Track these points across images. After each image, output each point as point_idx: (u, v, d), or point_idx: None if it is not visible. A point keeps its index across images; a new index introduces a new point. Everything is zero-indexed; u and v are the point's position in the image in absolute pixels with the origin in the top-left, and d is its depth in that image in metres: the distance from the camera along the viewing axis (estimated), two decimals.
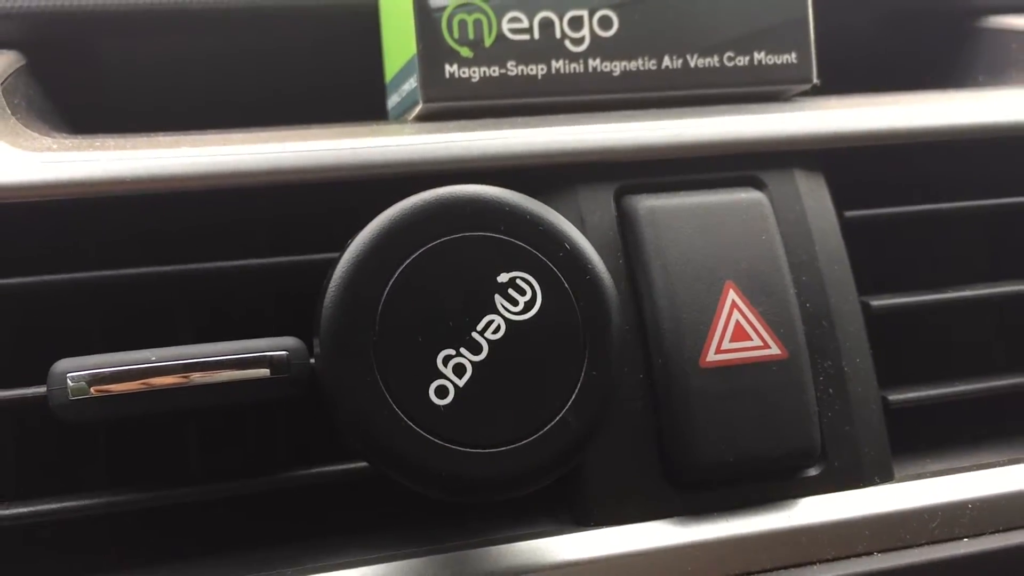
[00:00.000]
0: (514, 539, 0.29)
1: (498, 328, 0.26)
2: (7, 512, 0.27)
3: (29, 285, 0.29)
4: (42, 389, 0.27)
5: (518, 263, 0.27)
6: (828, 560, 0.31)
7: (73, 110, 0.40)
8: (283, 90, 0.45)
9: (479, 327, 0.26)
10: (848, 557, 0.31)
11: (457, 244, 0.27)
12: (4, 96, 0.32)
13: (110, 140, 0.31)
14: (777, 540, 0.30)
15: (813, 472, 0.32)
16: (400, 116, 0.39)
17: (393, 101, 0.40)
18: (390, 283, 0.26)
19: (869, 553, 0.31)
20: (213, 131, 0.33)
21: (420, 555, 0.29)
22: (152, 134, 0.32)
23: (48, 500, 0.28)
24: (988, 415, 0.35)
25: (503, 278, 0.27)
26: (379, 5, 0.41)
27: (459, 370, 0.26)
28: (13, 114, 0.31)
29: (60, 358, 0.27)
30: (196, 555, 0.29)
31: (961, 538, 0.32)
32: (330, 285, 0.26)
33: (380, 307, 0.26)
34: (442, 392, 0.26)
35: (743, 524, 0.30)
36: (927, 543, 0.31)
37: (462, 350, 0.26)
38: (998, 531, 0.32)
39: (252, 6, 0.42)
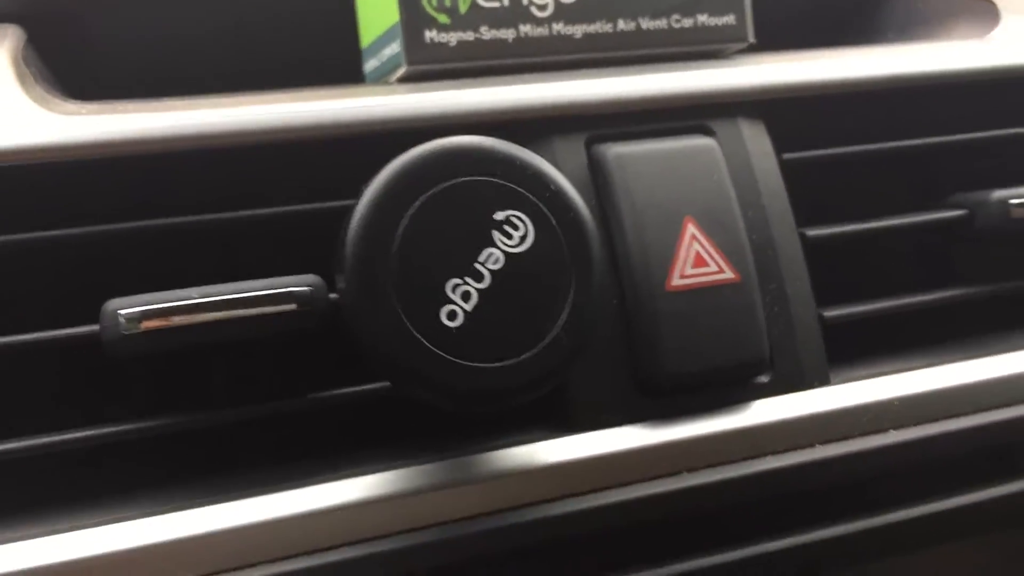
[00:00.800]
0: (510, 445, 0.34)
1: (497, 259, 0.30)
2: (41, 441, 0.30)
3: (70, 237, 0.32)
4: (94, 327, 0.31)
5: (512, 203, 0.31)
6: (777, 452, 0.36)
7: (66, 83, 0.42)
8: (263, 60, 0.48)
9: (481, 259, 0.30)
10: (794, 449, 0.36)
11: (459, 187, 0.30)
12: (25, 67, 0.35)
13: (129, 104, 0.34)
14: (734, 437, 0.35)
15: (763, 379, 0.37)
16: (380, 79, 0.43)
17: (371, 65, 0.44)
18: (403, 223, 0.30)
19: (811, 445, 0.36)
20: (216, 95, 0.36)
21: (428, 462, 0.33)
22: (159, 99, 0.35)
23: (80, 429, 0.31)
24: (911, 328, 0.41)
25: (499, 216, 0.31)
26: None
27: (466, 296, 0.30)
28: (37, 83, 0.34)
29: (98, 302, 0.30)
30: (221, 474, 0.33)
31: (887, 430, 0.37)
32: (351, 225, 0.30)
33: (396, 244, 0.30)
34: (452, 316, 0.30)
35: (705, 425, 0.35)
36: (859, 435, 0.37)
37: (467, 279, 0.30)
38: (918, 423, 0.37)
39: None
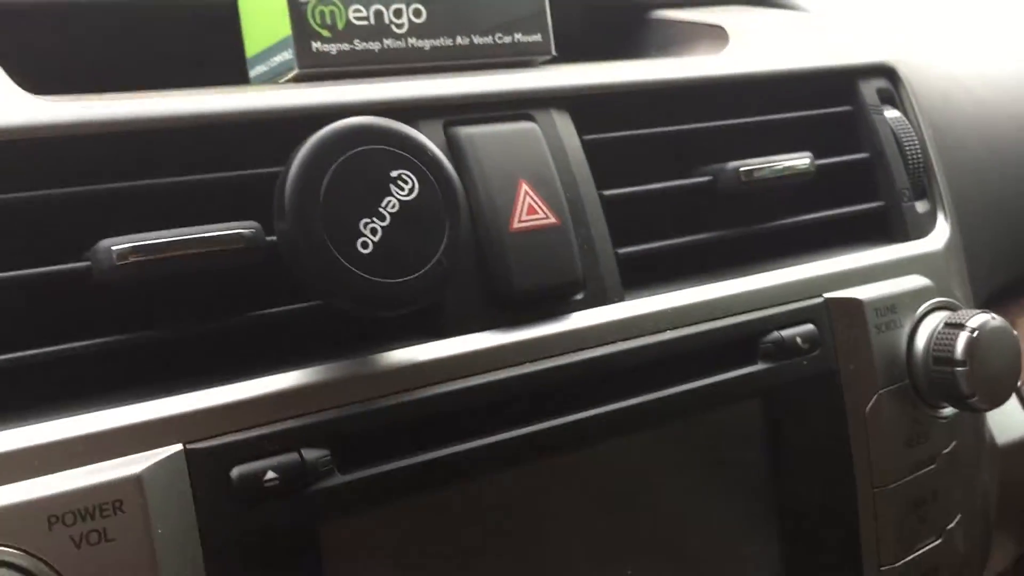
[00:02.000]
0: (402, 347, 0.45)
1: (394, 205, 0.42)
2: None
3: (56, 195, 0.41)
4: (86, 264, 0.40)
5: (402, 164, 0.42)
6: (591, 347, 0.49)
7: None
8: (156, 67, 0.57)
9: (383, 204, 0.42)
10: (602, 345, 0.50)
11: (365, 153, 0.42)
12: None
13: (92, 96, 0.43)
14: (562, 337, 0.48)
15: (579, 296, 0.50)
16: (267, 82, 0.53)
17: (259, 71, 0.54)
18: (326, 178, 0.41)
19: (613, 342, 0.50)
20: (148, 91, 0.46)
21: (340, 359, 0.44)
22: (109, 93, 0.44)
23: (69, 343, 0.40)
24: (681, 262, 0.55)
25: (394, 174, 0.42)
26: (239, 2, 0.55)
27: (374, 232, 0.41)
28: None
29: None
30: (183, 377, 0.42)
31: (665, 330, 0.51)
32: (288, 179, 0.40)
33: (322, 193, 0.41)
34: (365, 245, 0.41)
35: (541, 329, 0.48)
36: (645, 334, 0.51)
37: (374, 219, 0.41)
38: (686, 325, 0.52)
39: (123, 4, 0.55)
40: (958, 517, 0.60)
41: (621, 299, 0.51)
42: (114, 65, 0.56)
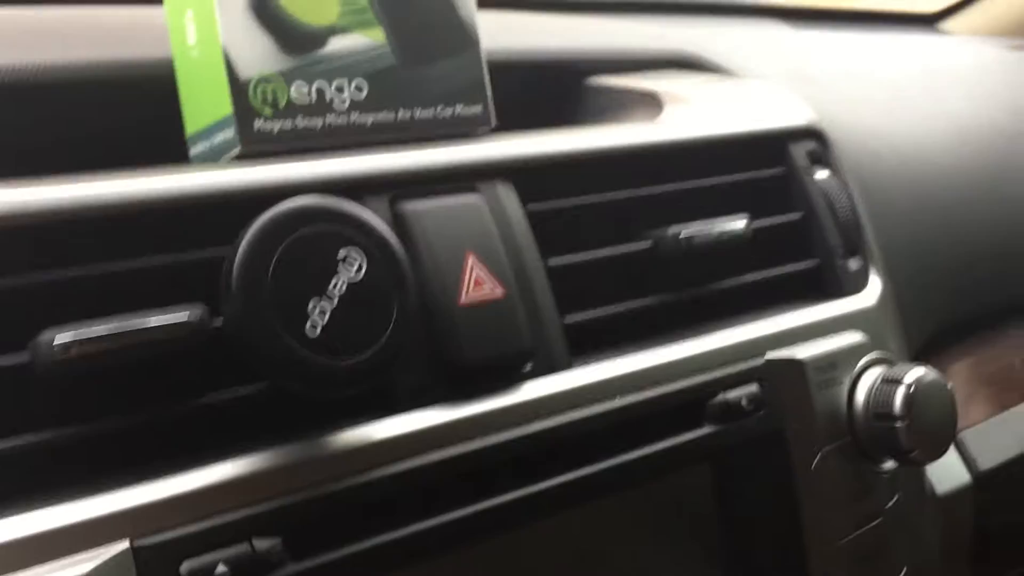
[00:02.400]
0: (353, 426, 0.45)
1: (343, 285, 0.42)
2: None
3: None
4: (25, 358, 0.39)
5: (350, 243, 0.42)
6: (542, 417, 0.49)
7: None
8: (88, 145, 0.56)
9: (331, 285, 0.41)
10: (552, 415, 0.50)
11: (312, 233, 0.41)
12: None
13: (10, 181, 0.42)
14: (512, 410, 0.48)
15: (528, 367, 0.50)
16: (208, 160, 0.53)
17: (199, 149, 0.54)
18: (273, 259, 0.40)
19: (563, 411, 0.50)
20: (84, 174, 0.45)
21: (289, 443, 0.43)
22: (34, 178, 0.44)
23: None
24: (627, 327, 0.56)
25: (341, 254, 0.42)
26: (177, 80, 0.54)
27: (322, 313, 0.41)
28: None
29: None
30: (129, 467, 0.41)
31: (614, 396, 0.52)
32: (235, 262, 0.40)
33: (269, 275, 0.40)
34: (314, 326, 0.41)
35: (493, 402, 0.48)
36: (595, 402, 0.51)
37: (322, 300, 0.41)
38: (633, 391, 0.53)
39: (59, 79, 0.54)
40: (904, 570, 0.61)
41: (569, 367, 0.52)
42: (44, 148, 0.55)
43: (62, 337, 0.38)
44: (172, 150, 0.55)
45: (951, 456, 0.74)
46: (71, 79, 0.55)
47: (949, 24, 1.38)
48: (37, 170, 0.46)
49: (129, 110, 0.58)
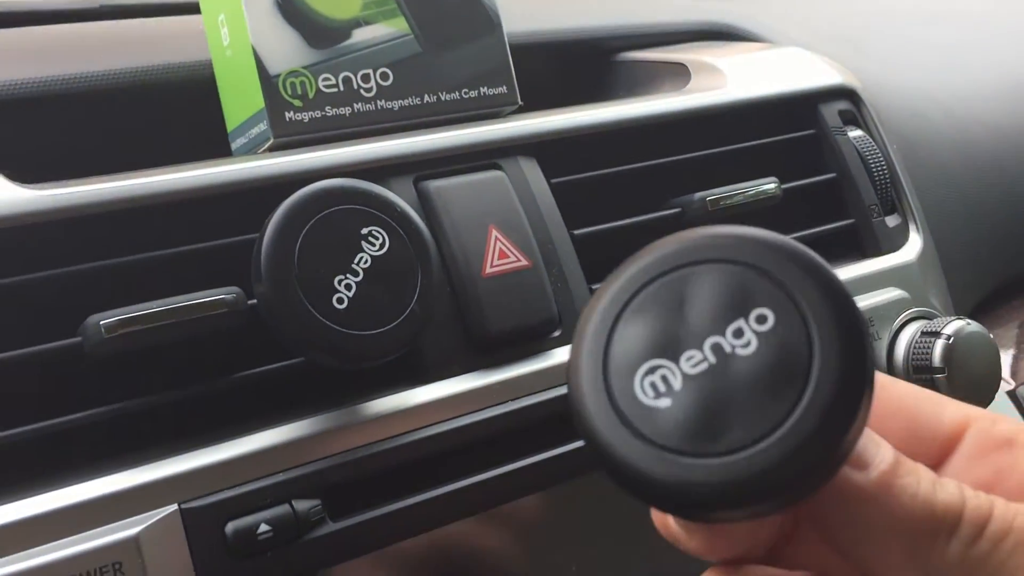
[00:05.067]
0: (385, 395, 0.47)
1: (367, 261, 0.44)
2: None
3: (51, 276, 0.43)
4: (75, 340, 0.42)
5: (372, 222, 0.45)
6: (564, 383, 0.51)
7: None
8: (140, 145, 0.60)
9: (355, 261, 0.44)
10: None
11: (335, 213, 0.44)
12: None
13: (66, 183, 0.46)
14: (540, 375, 0.50)
15: (556, 334, 0.52)
16: (248, 152, 0.56)
17: (240, 143, 0.57)
18: (299, 239, 0.43)
19: None
20: (131, 172, 0.48)
21: (327, 411, 0.46)
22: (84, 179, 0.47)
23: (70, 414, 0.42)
24: None
25: (364, 231, 0.44)
26: (217, 80, 0.58)
27: (348, 288, 0.43)
28: None
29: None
30: (180, 439, 0.44)
31: None
32: (264, 244, 0.43)
33: (296, 255, 0.43)
34: (340, 301, 0.43)
35: (521, 368, 0.50)
36: None
37: (348, 275, 0.43)
38: None
39: (110, 86, 0.58)
40: None
41: None
42: (99, 150, 0.59)
43: (108, 319, 0.41)
44: (223, 148, 0.59)
45: (1007, 411, 0.73)
46: (123, 85, 0.58)
47: None
48: (100, 170, 0.49)
49: (179, 111, 0.61)
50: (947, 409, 0.30)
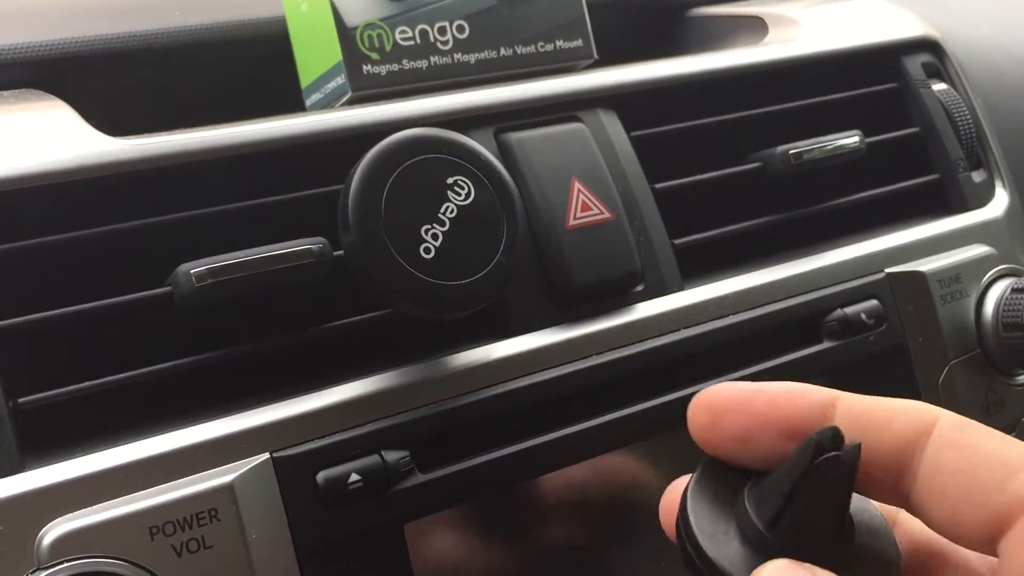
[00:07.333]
0: (472, 348, 0.47)
1: (453, 210, 0.43)
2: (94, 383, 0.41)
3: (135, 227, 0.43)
4: (167, 289, 0.42)
5: (458, 171, 0.44)
6: (654, 336, 0.50)
7: None
8: (219, 101, 0.60)
9: (441, 210, 0.43)
10: (665, 334, 0.50)
11: (421, 162, 0.43)
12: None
13: (152, 135, 0.46)
14: (624, 329, 0.49)
15: (639, 288, 0.51)
16: (323, 108, 0.56)
17: (314, 98, 0.57)
18: (386, 188, 0.43)
19: (676, 330, 0.51)
20: (214, 125, 0.48)
21: (417, 362, 0.46)
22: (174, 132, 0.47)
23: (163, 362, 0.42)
24: (737, 248, 0.56)
25: (450, 180, 0.44)
26: (291, 36, 0.57)
27: (435, 237, 0.43)
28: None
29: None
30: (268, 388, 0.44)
31: (727, 315, 0.52)
32: (350, 195, 0.42)
33: (383, 204, 0.42)
34: (427, 250, 0.42)
35: (605, 322, 0.49)
36: (708, 320, 0.52)
37: (435, 225, 0.43)
38: (746, 309, 0.53)
39: (191, 41, 0.58)
40: None
41: (681, 288, 0.52)
42: (177, 105, 0.59)
43: (198, 268, 0.41)
44: (293, 103, 0.58)
45: None
46: (197, 40, 0.58)
47: None
48: (176, 124, 0.49)
49: (252, 69, 0.61)
50: (1017, 478, 0.28)
